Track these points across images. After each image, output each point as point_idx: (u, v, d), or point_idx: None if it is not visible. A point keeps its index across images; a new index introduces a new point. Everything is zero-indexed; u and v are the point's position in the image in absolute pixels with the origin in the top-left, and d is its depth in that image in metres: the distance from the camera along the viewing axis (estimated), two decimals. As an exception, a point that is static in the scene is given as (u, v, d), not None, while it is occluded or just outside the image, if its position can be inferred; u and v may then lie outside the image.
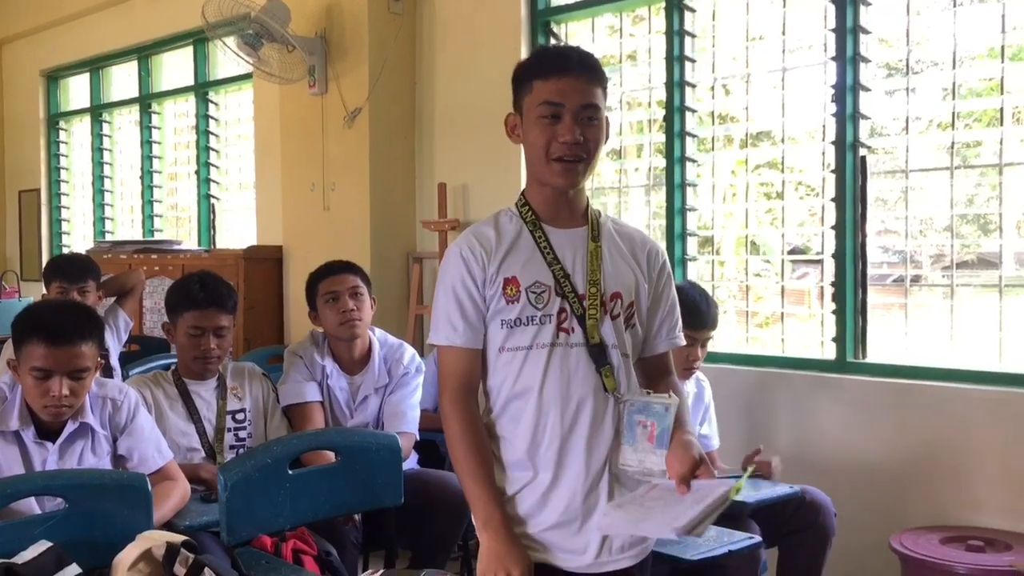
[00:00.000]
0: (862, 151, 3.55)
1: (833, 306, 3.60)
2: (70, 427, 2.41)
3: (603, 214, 1.96)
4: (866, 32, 3.52)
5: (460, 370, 1.87)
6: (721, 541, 2.37)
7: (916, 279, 3.57)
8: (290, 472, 2.34)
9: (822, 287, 3.72)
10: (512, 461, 1.86)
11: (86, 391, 2.39)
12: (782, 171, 3.86)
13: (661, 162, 4.11)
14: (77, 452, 2.43)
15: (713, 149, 4.03)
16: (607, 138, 1.90)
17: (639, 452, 1.80)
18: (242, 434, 3.03)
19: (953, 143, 3.38)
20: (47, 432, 2.40)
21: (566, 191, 1.89)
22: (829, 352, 3.63)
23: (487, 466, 1.85)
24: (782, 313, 3.85)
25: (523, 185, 1.97)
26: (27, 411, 2.38)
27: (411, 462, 3.28)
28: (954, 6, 3.36)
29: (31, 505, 2.28)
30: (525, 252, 1.88)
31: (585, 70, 1.83)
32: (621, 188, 4.33)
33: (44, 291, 3.80)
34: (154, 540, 2.00)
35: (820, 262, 3.75)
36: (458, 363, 1.87)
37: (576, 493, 1.84)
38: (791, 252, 3.96)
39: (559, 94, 1.81)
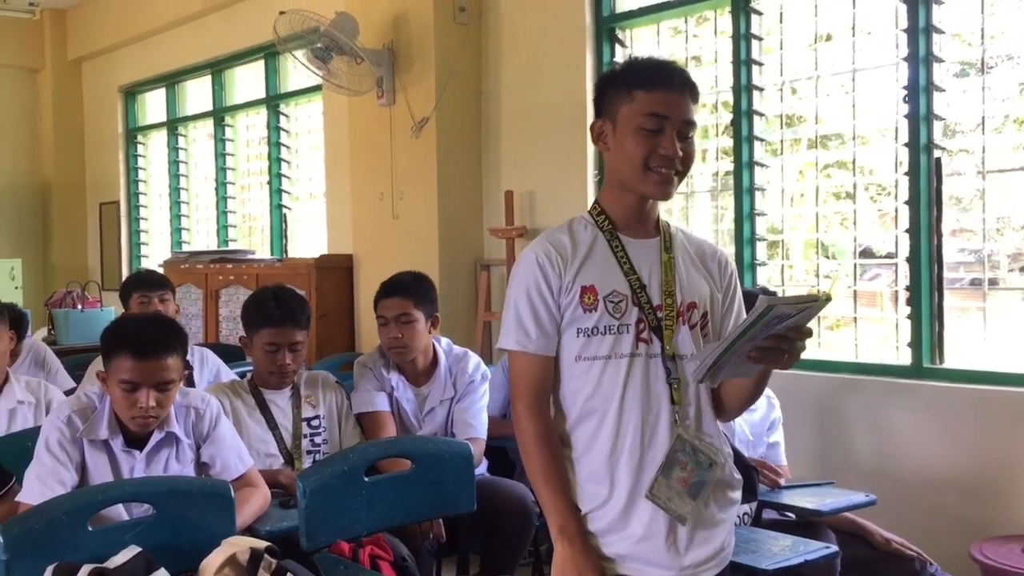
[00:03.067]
0: (936, 152, 3.48)
1: (908, 310, 3.54)
2: (156, 436, 2.49)
3: (672, 225, 1.97)
4: (939, 32, 3.46)
5: (533, 377, 1.86)
6: (797, 551, 2.35)
7: (994, 282, 3.49)
8: (366, 479, 2.38)
9: (896, 291, 3.65)
10: (587, 474, 1.85)
11: (171, 402, 2.47)
12: (853, 173, 3.80)
13: (727, 166, 4.08)
14: (163, 460, 2.51)
15: (781, 153, 3.99)
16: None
17: (670, 490, 1.80)
18: (318, 440, 3.10)
19: (1031, 142, 3.30)
20: (134, 441, 2.49)
21: (646, 201, 1.89)
22: (905, 357, 3.56)
23: (562, 474, 1.84)
24: (855, 317, 3.79)
25: (590, 191, 1.98)
26: (115, 421, 2.47)
27: (481, 469, 3.31)
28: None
29: (119, 512, 2.36)
30: (602, 261, 1.87)
31: (688, 87, 1.84)
32: (688, 193, 4.31)
33: (122, 308, 3.91)
34: (239, 545, 2.06)
35: (893, 264, 3.69)
36: (531, 369, 1.86)
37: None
38: (862, 254, 3.90)
39: (665, 107, 1.80)
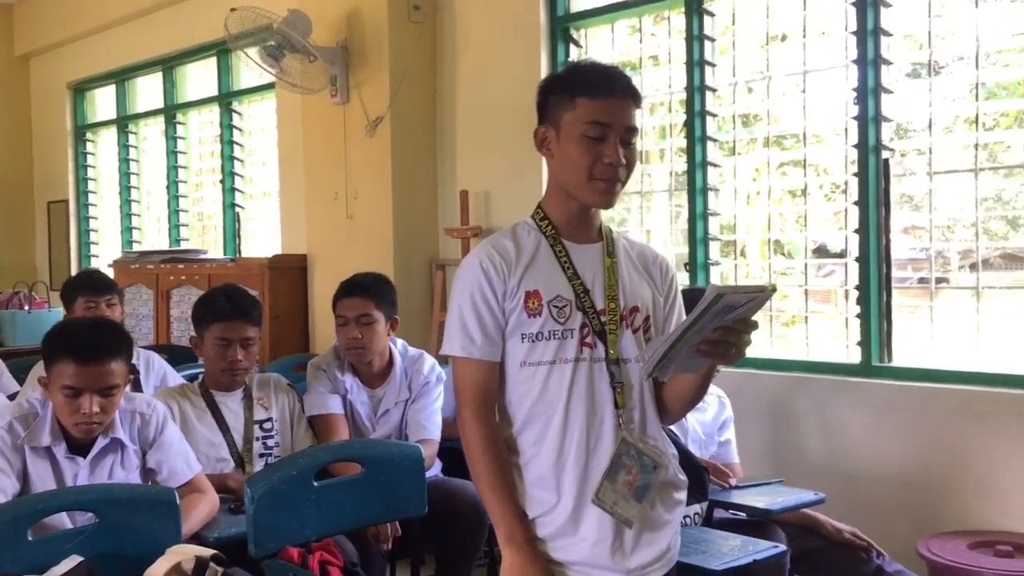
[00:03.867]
0: (885, 154, 3.53)
1: (858, 309, 3.58)
2: (100, 442, 2.45)
3: (614, 231, 1.97)
4: (887, 34, 3.50)
5: (478, 383, 1.86)
6: (746, 551, 2.37)
7: (943, 280, 3.55)
8: (315, 484, 2.36)
9: (847, 290, 3.69)
10: (534, 479, 1.84)
11: (116, 407, 2.43)
12: (804, 174, 3.84)
13: (683, 165, 4.10)
14: (107, 467, 2.46)
15: (735, 152, 4.02)
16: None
17: (616, 494, 1.80)
18: (270, 443, 3.06)
19: (977, 144, 3.35)
20: (78, 447, 2.44)
21: (589, 207, 1.89)
22: (854, 356, 3.61)
23: (509, 480, 1.84)
24: (806, 316, 3.83)
25: (545, 192, 1.96)
26: (58, 427, 2.42)
27: (435, 470, 3.30)
28: (976, 6, 3.33)
29: (63, 520, 2.32)
30: (545, 266, 1.87)
31: (631, 93, 1.84)
32: (643, 192, 4.33)
33: (64, 310, 3.81)
34: (183, 554, 2.03)
35: (844, 263, 3.73)
36: (476, 375, 1.86)
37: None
38: (816, 251, 3.95)
39: (608, 115, 1.80)
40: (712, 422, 3.18)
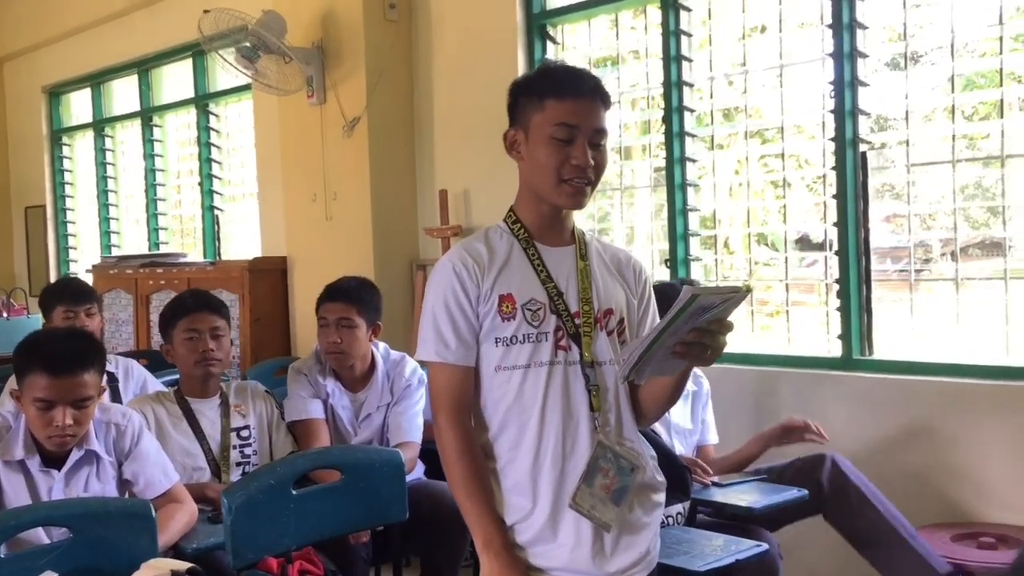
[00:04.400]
0: (862, 147, 3.53)
1: (838, 302, 3.58)
2: (75, 455, 2.41)
3: (587, 233, 1.96)
4: (863, 27, 3.50)
5: (454, 387, 1.84)
6: (729, 550, 2.36)
7: (922, 271, 3.55)
8: (294, 492, 2.33)
9: (827, 284, 3.69)
10: (510, 485, 1.83)
11: (90, 419, 2.40)
12: (783, 168, 3.84)
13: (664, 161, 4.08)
14: (83, 479, 2.43)
15: (713, 148, 4.01)
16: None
17: (593, 497, 1.79)
18: (247, 451, 3.03)
19: (954, 135, 3.35)
20: (52, 460, 2.40)
21: (561, 210, 1.88)
22: (835, 349, 3.61)
23: (485, 486, 1.83)
24: (787, 310, 3.83)
25: (517, 195, 1.94)
26: (31, 440, 2.39)
27: (417, 472, 3.28)
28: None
29: (39, 535, 2.28)
30: (519, 269, 1.85)
31: (597, 94, 1.82)
32: (623, 188, 4.31)
33: (42, 319, 3.76)
34: (159, 568, 2.00)
35: (825, 256, 3.72)
36: (451, 380, 1.84)
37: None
38: (799, 241, 3.94)
39: (575, 116, 1.79)
40: (693, 407, 3.18)
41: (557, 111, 1.79)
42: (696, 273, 4.04)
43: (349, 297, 3.25)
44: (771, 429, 3.20)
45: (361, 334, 3.22)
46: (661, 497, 1.93)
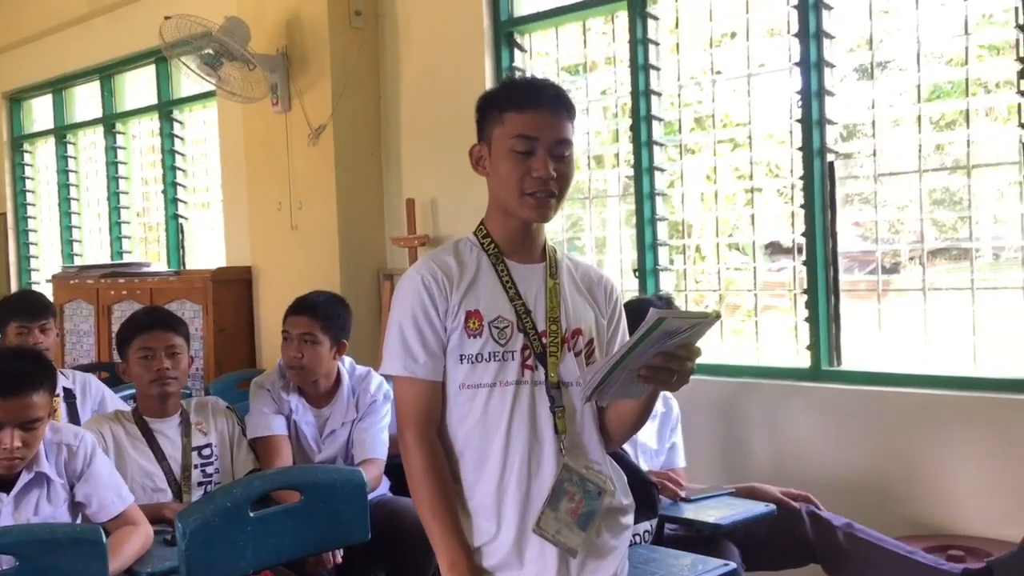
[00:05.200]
0: (830, 156, 3.52)
1: (806, 313, 3.56)
2: (24, 477, 2.34)
3: (558, 251, 1.92)
4: (830, 37, 3.49)
5: (422, 403, 1.80)
6: (695, 570, 2.33)
7: (889, 281, 3.55)
8: (251, 515, 2.27)
9: (795, 294, 3.67)
10: (475, 507, 1.79)
11: (39, 441, 2.33)
12: (751, 177, 3.82)
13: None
14: (33, 502, 2.36)
15: (682, 157, 3.99)
16: (575, 172, 1.86)
17: (559, 522, 1.75)
18: (209, 470, 2.96)
19: (920, 146, 3.35)
20: (1, 483, 2.33)
21: (530, 225, 1.84)
22: (804, 360, 3.59)
23: (451, 507, 1.79)
24: (756, 321, 3.81)
25: (486, 210, 1.91)
26: (-21, 463, 2.31)
27: (383, 488, 3.23)
28: (916, 7, 3.32)
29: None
30: (487, 285, 1.82)
31: (559, 104, 1.80)
32: (591, 198, 4.28)
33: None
34: (109, 597, 1.93)
35: (794, 267, 3.71)
36: (420, 396, 1.80)
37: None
38: (769, 246, 3.93)
39: (534, 128, 1.77)
40: (661, 428, 3.15)
41: (516, 124, 1.77)
42: (666, 282, 4.01)
43: (315, 312, 3.19)
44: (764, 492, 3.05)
45: (323, 351, 3.16)
46: (629, 519, 1.91)
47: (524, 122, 1.77)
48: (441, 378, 1.80)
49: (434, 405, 1.81)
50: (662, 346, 1.55)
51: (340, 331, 3.21)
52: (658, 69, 3.97)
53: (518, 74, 4.26)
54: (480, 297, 1.80)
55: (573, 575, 1.79)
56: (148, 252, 6.45)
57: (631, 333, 1.59)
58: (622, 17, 4.06)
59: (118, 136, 6.56)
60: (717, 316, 1.60)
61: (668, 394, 3.19)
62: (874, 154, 3.45)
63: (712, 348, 3.84)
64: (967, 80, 3.26)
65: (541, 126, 1.77)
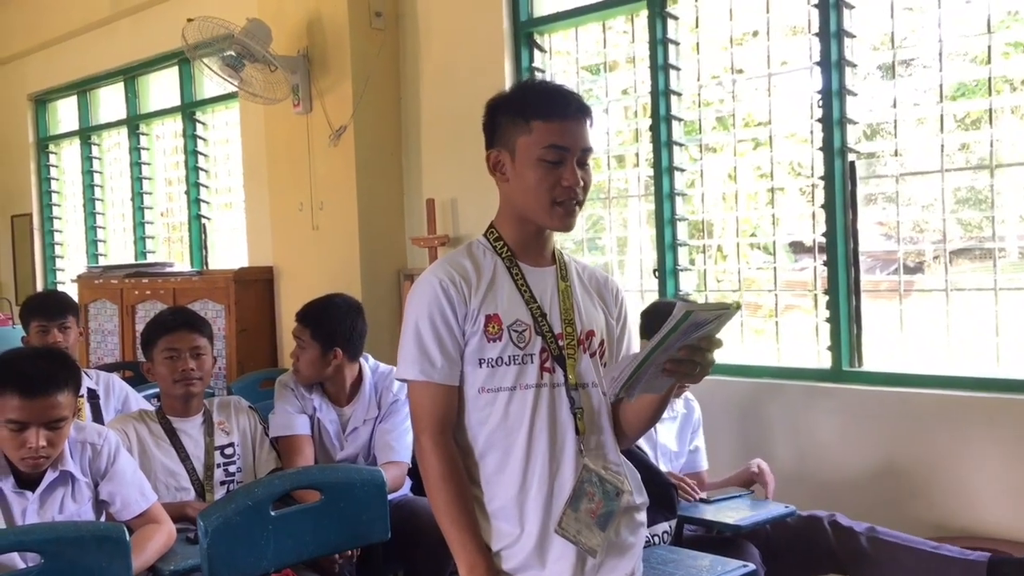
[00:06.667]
0: (851, 156, 3.49)
1: (827, 313, 3.54)
2: (50, 476, 2.36)
3: (565, 254, 1.93)
4: (850, 36, 3.46)
5: (439, 408, 1.79)
6: (715, 571, 2.32)
7: (911, 281, 3.52)
8: (272, 514, 2.29)
9: (815, 295, 3.65)
10: (495, 510, 1.79)
11: (64, 440, 2.35)
12: (772, 177, 3.80)
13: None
14: (58, 500, 2.38)
15: (702, 156, 3.97)
16: None
17: (579, 523, 1.75)
18: (232, 469, 2.98)
19: (944, 144, 3.32)
20: (26, 482, 2.35)
21: (543, 231, 1.85)
22: (825, 361, 3.57)
23: (470, 511, 1.79)
24: (776, 322, 3.79)
25: (497, 212, 1.90)
26: (5, 461, 2.34)
27: (405, 489, 3.23)
28: (939, 5, 3.30)
29: (13, 559, 2.23)
30: (504, 289, 1.82)
31: (583, 112, 1.80)
32: (612, 198, 4.27)
33: (23, 332, 3.72)
34: (132, 595, 1.96)
35: (815, 267, 3.69)
36: (436, 400, 1.79)
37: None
38: (791, 245, 3.91)
39: (565, 138, 1.76)
40: (682, 430, 3.14)
41: (545, 133, 1.76)
42: (687, 282, 4.00)
43: (304, 319, 3.21)
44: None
45: (314, 357, 3.15)
46: (644, 516, 1.91)
47: (554, 132, 1.76)
48: (458, 382, 1.80)
49: (450, 409, 1.80)
50: (686, 339, 1.57)
51: (329, 338, 3.16)
52: (678, 69, 3.96)
53: (527, 77, 4.25)
54: (498, 301, 1.80)
55: (590, 574, 1.79)
56: (171, 252, 6.50)
57: (651, 334, 1.59)
58: (642, 17, 4.06)
59: (142, 137, 6.62)
60: (738, 307, 1.60)
61: (690, 396, 3.19)
62: (897, 153, 3.43)
63: (733, 348, 3.82)
64: (991, 78, 3.23)
65: (570, 135, 1.76)
